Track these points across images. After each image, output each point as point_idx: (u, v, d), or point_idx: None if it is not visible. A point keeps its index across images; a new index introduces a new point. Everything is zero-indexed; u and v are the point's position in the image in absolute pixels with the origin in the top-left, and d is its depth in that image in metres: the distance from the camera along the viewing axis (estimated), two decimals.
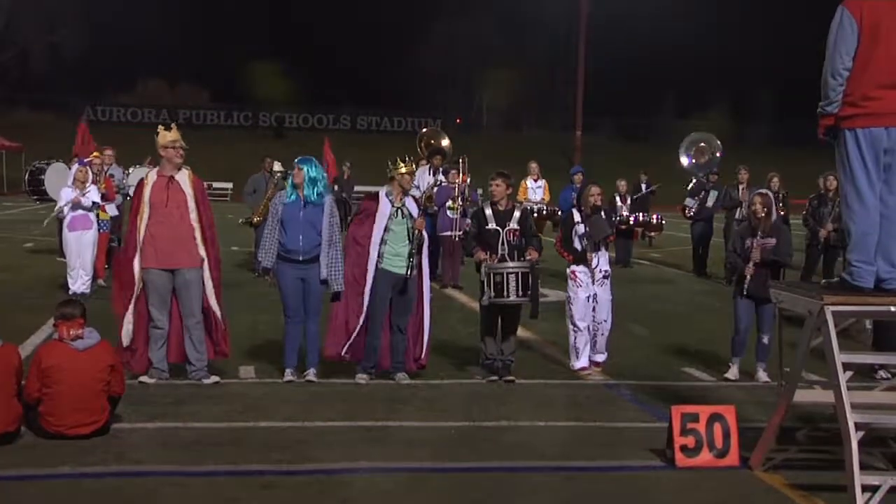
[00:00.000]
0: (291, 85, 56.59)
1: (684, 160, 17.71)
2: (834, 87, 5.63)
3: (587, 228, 8.95)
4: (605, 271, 9.03)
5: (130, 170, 17.97)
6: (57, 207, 12.82)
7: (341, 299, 8.40)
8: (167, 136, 8.31)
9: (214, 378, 8.23)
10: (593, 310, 8.98)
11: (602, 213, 9.10)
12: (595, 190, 9.12)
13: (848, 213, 5.75)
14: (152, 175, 8.39)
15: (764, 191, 9.40)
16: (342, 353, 8.41)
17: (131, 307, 8.11)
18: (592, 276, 8.95)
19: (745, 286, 8.78)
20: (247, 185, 16.22)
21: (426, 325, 8.58)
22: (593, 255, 8.91)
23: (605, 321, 9.00)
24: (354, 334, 8.34)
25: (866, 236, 5.64)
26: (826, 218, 14.02)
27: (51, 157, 18.61)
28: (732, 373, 8.97)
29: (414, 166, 8.85)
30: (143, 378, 8.10)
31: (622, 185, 18.71)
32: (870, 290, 5.69)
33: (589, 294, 8.95)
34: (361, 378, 8.42)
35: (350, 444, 6.58)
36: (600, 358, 9.06)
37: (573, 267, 9.05)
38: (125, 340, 8.06)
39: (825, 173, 14.50)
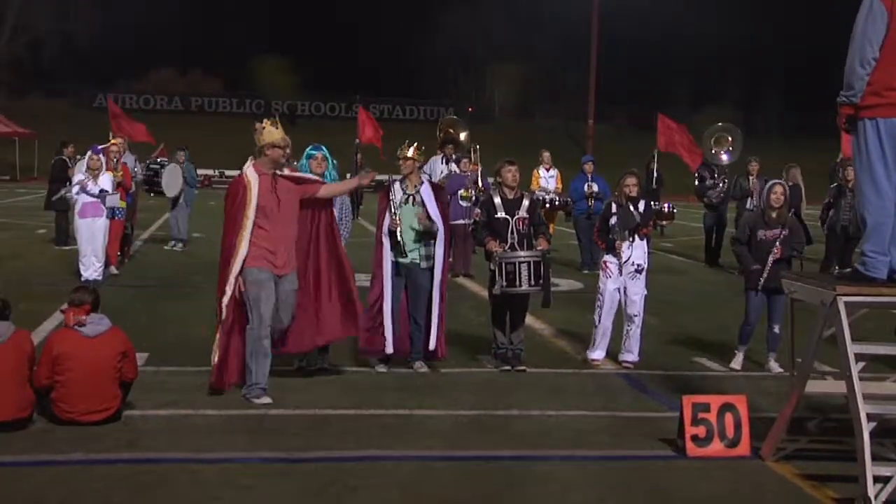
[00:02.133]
0: (304, 74, 56.65)
1: (724, 157, 17.53)
2: (862, 76, 5.53)
3: (617, 218, 8.91)
4: (638, 265, 8.83)
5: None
6: (73, 190, 12.81)
7: None
8: (276, 134, 7.46)
9: (266, 399, 7.30)
10: (625, 304, 8.88)
11: (640, 205, 8.98)
12: (630, 180, 9.01)
13: (863, 202, 5.70)
14: (252, 173, 7.43)
15: (781, 181, 9.33)
16: (380, 348, 8.37)
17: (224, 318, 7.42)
18: (622, 268, 8.87)
19: (761, 281, 8.71)
20: None
21: (434, 317, 8.43)
22: (623, 245, 8.84)
23: (636, 316, 8.80)
24: (388, 326, 8.30)
25: (881, 226, 5.60)
26: (844, 209, 13.97)
27: (163, 159, 18.69)
28: (737, 361, 8.96)
29: (419, 153, 8.68)
30: (260, 400, 7.24)
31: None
32: (883, 280, 5.66)
33: (618, 286, 8.86)
34: (381, 367, 8.45)
35: (361, 433, 6.59)
36: (630, 358, 8.83)
37: (605, 257, 9.00)
38: (215, 357, 7.42)
39: (844, 163, 14.44)
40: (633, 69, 58.00)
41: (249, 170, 7.50)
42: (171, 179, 17.23)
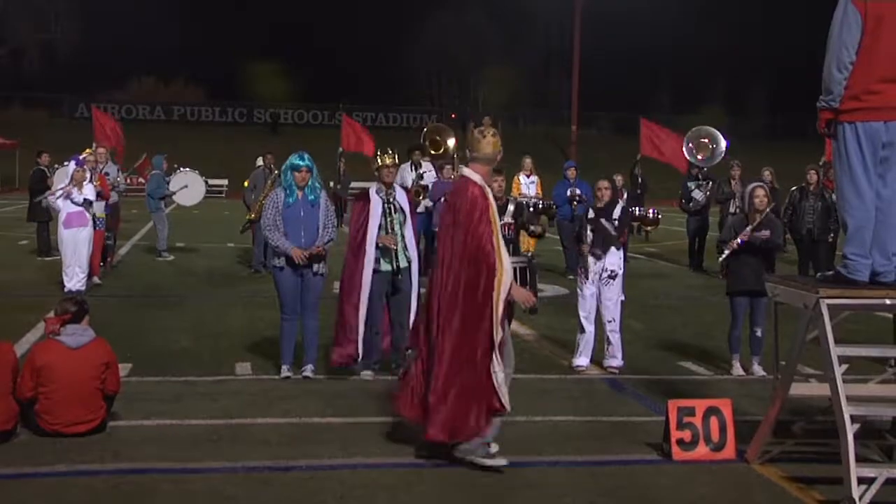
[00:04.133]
0: (287, 82, 56.58)
1: (723, 144, 17.54)
2: (839, 80, 5.58)
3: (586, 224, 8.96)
4: (611, 271, 8.86)
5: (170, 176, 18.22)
6: (53, 197, 12.76)
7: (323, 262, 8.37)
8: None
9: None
10: (600, 309, 8.90)
11: (617, 209, 9.01)
12: (600, 184, 9.09)
13: (844, 206, 5.74)
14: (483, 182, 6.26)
15: (762, 183, 9.42)
16: (353, 359, 8.37)
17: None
18: (586, 273, 8.90)
19: (725, 254, 8.83)
20: (248, 183, 16.24)
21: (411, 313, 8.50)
22: (584, 248, 8.86)
23: (612, 321, 8.84)
24: (361, 335, 8.30)
25: (862, 230, 5.64)
26: (807, 212, 14.10)
27: (177, 166, 18.92)
28: (737, 369, 8.94)
29: (397, 159, 8.74)
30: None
31: (619, 179, 18.71)
32: (865, 283, 5.70)
33: (593, 291, 8.90)
34: (367, 374, 8.45)
35: (348, 441, 6.57)
36: (614, 363, 8.86)
37: (581, 263, 9.06)
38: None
39: (808, 166, 14.62)
40: (616, 75, 58.22)
41: (480, 178, 6.26)
42: (193, 187, 17.47)
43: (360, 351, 8.35)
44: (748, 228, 8.77)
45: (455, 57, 61.61)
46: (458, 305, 6.03)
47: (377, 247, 8.32)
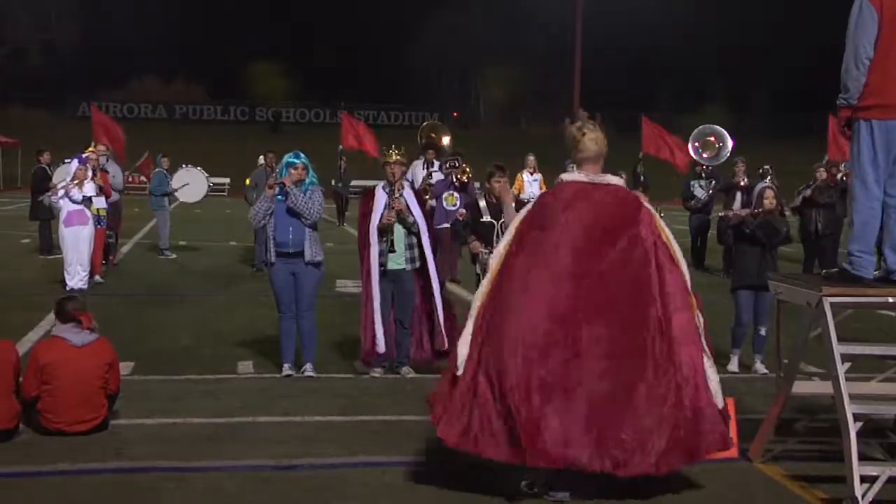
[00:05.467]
0: (288, 81, 56.62)
1: (729, 143, 17.53)
2: (857, 76, 5.55)
3: None
4: None
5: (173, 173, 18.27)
6: (58, 193, 12.73)
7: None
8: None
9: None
10: None
11: None
12: None
13: (852, 202, 5.74)
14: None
15: (770, 185, 9.54)
16: (377, 351, 8.37)
17: None
18: None
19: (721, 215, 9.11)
20: (249, 182, 16.24)
21: (440, 314, 8.51)
22: None
23: None
24: (378, 327, 8.31)
25: (866, 226, 5.63)
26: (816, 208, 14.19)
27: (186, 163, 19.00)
28: (733, 364, 8.97)
29: (404, 157, 8.80)
30: None
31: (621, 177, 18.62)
32: (869, 280, 5.69)
33: None
34: (376, 372, 8.47)
35: (349, 439, 6.57)
36: None
37: None
38: None
39: (816, 164, 14.69)
40: (617, 73, 58.20)
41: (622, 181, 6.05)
42: (195, 184, 17.45)
43: (382, 346, 8.31)
44: (747, 212, 8.93)
45: (455, 57, 61.56)
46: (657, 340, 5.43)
47: (380, 240, 8.33)
